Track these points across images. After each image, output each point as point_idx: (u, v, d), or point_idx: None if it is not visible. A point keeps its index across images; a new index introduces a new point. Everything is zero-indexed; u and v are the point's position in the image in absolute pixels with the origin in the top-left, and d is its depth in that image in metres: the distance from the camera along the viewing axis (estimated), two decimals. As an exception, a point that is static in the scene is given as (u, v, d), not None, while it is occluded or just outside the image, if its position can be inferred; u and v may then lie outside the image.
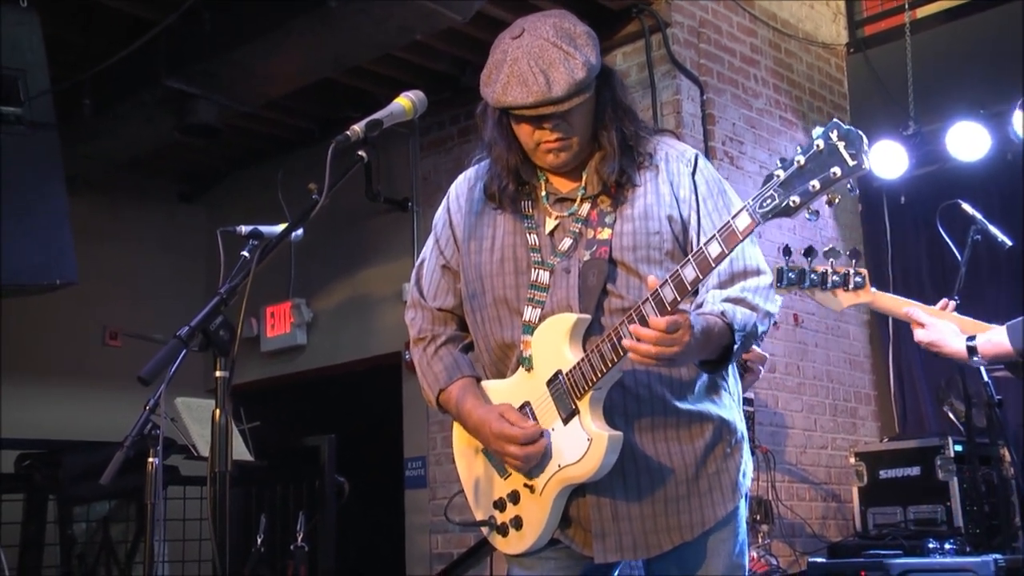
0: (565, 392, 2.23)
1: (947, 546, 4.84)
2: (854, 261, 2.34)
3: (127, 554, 5.57)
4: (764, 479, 5.40)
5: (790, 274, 2.25)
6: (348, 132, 2.18)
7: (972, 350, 2.66)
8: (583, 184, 2.38)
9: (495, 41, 2.34)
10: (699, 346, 2.15)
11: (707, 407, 2.34)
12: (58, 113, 4.77)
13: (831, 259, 2.28)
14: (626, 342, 2.09)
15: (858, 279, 2.31)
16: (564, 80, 2.21)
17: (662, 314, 2.08)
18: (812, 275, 2.26)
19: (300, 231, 2.28)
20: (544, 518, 2.29)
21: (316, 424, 7.08)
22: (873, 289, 2.49)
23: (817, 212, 2.02)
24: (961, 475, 5.34)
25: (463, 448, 2.49)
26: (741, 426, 2.41)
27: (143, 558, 4.99)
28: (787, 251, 2.24)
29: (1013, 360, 2.73)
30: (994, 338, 2.67)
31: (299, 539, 4.64)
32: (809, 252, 2.27)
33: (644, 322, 2.10)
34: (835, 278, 2.27)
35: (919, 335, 2.69)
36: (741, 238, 2.04)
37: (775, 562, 5.20)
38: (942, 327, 2.68)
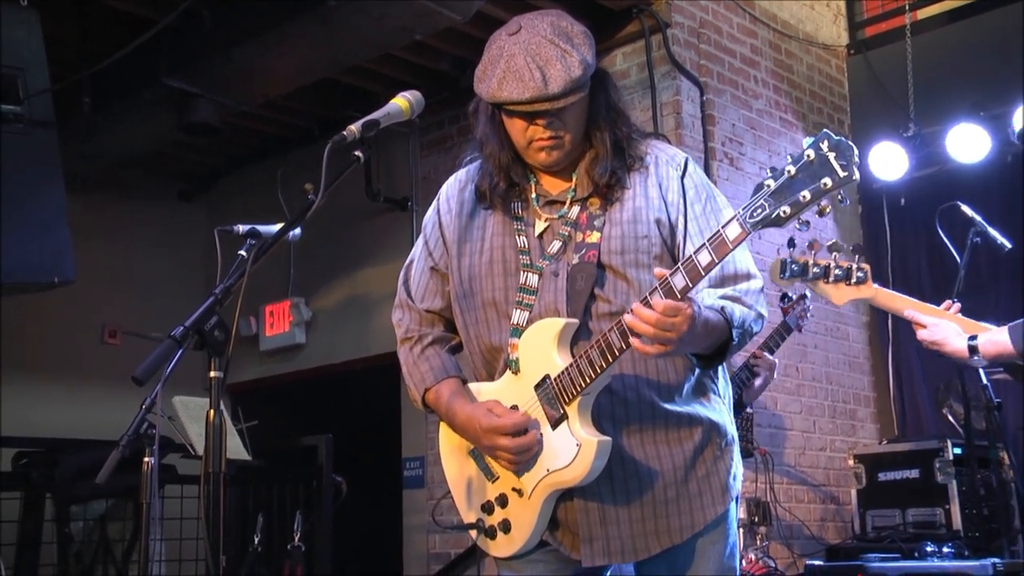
0: (554, 397, 2.22)
1: (945, 549, 4.84)
2: (857, 256, 2.33)
3: (124, 553, 5.58)
4: (762, 481, 5.38)
5: (793, 266, 2.24)
6: (345, 132, 2.18)
7: (973, 349, 2.71)
8: (573, 185, 2.37)
9: (491, 38, 2.33)
10: (699, 337, 2.15)
11: (696, 409, 2.33)
12: (57, 112, 4.76)
13: (835, 253, 2.27)
14: (627, 317, 2.07)
15: (860, 274, 2.30)
16: (561, 77, 2.20)
17: None
18: (815, 268, 2.26)
19: (298, 230, 2.29)
20: (532, 521, 2.28)
21: (314, 423, 7.08)
22: (875, 285, 2.50)
23: (807, 223, 2.02)
24: (960, 478, 5.33)
25: (451, 450, 2.48)
26: (731, 428, 2.40)
27: (140, 557, 5.00)
28: (791, 243, 2.24)
29: (1013, 361, 2.76)
30: (996, 338, 2.72)
31: (296, 539, 4.64)
32: (813, 245, 2.27)
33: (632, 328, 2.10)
34: (838, 272, 2.27)
35: (922, 335, 2.76)
36: (731, 247, 2.04)
37: (773, 564, 5.17)
38: (944, 326, 2.73)
